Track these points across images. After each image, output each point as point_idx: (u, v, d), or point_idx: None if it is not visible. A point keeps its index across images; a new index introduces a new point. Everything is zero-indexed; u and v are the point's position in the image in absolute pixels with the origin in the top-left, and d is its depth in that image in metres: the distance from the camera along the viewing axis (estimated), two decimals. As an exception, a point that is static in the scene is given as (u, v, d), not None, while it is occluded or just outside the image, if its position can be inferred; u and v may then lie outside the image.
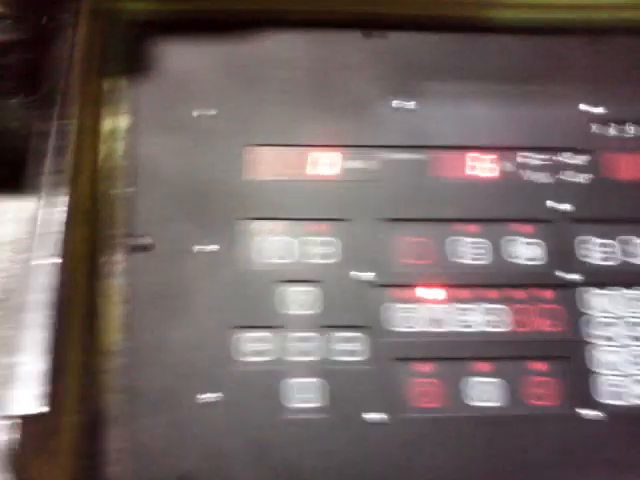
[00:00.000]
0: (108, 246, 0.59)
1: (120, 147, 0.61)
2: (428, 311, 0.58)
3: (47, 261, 0.48)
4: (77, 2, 0.54)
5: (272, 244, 0.59)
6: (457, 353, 0.58)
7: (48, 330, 0.46)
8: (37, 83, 0.51)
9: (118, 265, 0.59)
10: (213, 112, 0.61)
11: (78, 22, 0.53)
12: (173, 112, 0.61)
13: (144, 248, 0.58)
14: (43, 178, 0.50)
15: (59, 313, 0.47)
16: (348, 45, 0.64)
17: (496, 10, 0.65)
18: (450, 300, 0.59)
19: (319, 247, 0.59)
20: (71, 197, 0.50)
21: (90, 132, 0.58)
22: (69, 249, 0.50)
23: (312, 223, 0.60)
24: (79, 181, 0.53)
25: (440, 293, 0.59)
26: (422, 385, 0.57)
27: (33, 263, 0.47)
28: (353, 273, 0.59)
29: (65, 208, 0.49)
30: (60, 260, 0.48)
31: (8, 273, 0.66)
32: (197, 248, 0.58)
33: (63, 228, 0.49)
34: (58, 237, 0.49)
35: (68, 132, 0.51)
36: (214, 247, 0.58)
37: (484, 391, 0.57)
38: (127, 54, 0.63)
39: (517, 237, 0.61)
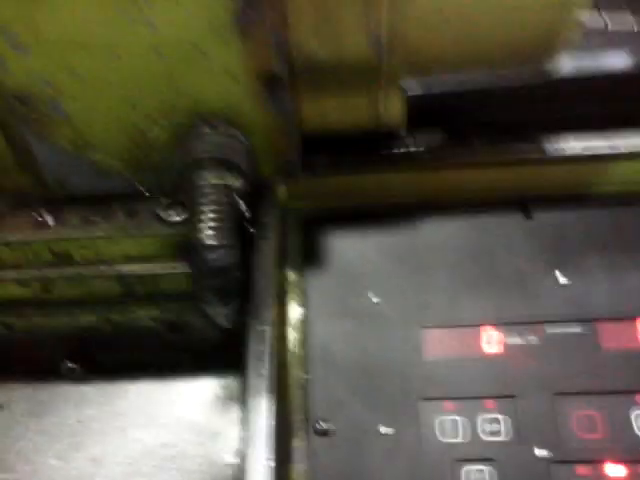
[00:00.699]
0: (291, 431, 0.62)
1: (298, 334, 0.66)
2: (607, 488, 0.58)
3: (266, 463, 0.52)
4: (272, 208, 0.62)
5: (446, 424, 0.62)
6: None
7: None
8: (243, 289, 0.58)
9: (300, 450, 0.62)
10: (384, 296, 0.66)
11: (272, 229, 0.60)
12: (346, 299, 0.67)
13: (325, 433, 0.62)
14: (250, 380, 0.55)
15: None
16: (509, 226, 0.68)
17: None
18: (634, 477, 0.59)
19: (490, 425, 0.61)
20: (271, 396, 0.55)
21: (278, 321, 0.64)
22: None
23: (486, 401, 0.62)
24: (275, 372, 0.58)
25: (622, 469, 0.59)
26: None
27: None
28: (525, 450, 0.60)
29: (268, 412, 0.54)
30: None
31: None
32: (375, 430, 0.62)
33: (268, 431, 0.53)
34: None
35: (266, 336, 0.56)
36: (394, 428, 0.62)
37: None
38: (302, 246, 0.70)
39: None
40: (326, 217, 0.70)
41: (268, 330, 0.56)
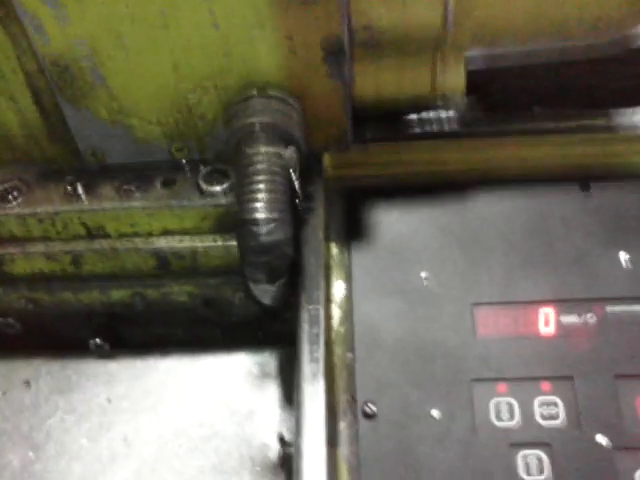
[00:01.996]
0: (337, 412, 0.60)
1: (342, 311, 0.63)
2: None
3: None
4: (320, 180, 0.58)
5: (501, 406, 0.59)
6: None
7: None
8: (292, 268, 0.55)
9: (346, 432, 0.60)
10: (435, 274, 0.63)
11: (320, 203, 0.57)
12: (393, 275, 0.63)
13: (370, 415, 0.59)
14: (302, 365, 0.52)
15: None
16: (567, 201, 0.65)
17: None
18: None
19: (547, 408, 0.59)
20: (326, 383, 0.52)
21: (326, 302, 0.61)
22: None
23: (543, 382, 0.59)
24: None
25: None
26: None
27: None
28: (584, 435, 0.57)
29: (323, 400, 0.51)
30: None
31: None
32: (425, 413, 0.59)
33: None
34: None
35: (320, 318, 0.53)
36: (445, 411, 0.59)
37: None
38: (346, 220, 0.66)
39: None
40: (373, 189, 0.66)
41: (321, 312, 0.53)
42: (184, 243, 0.62)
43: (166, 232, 0.61)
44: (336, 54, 0.49)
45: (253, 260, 0.51)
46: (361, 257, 0.65)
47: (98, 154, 0.59)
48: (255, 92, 0.51)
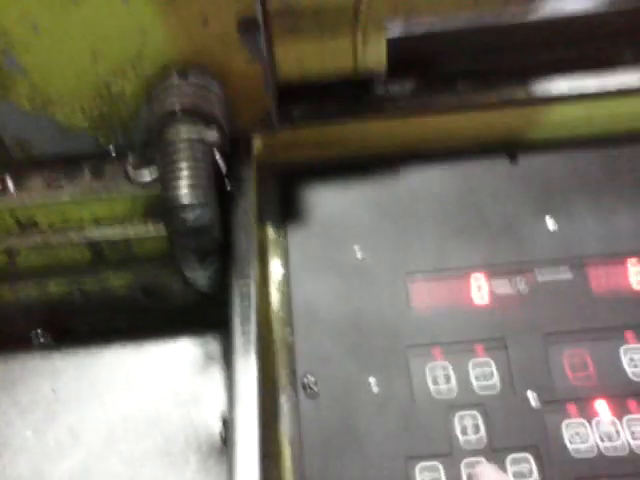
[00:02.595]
0: (277, 389, 0.61)
1: (280, 291, 0.65)
2: (597, 424, 0.59)
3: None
4: (249, 162, 0.59)
5: (437, 372, 0.61)
6: (637, 469, 0.57)
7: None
8: (221, 249, 0.55)
9: (287, 407, 0.61)
10: (369, 250, 0.65)
11: (250, 185, 0.58)
12: (329, 254, 0.65)
13: (310, 389, 0.61)
14: (235, 340, 0.53)
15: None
16: (495, 172, 0.67)
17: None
18: (622, 412, 0.59)
19: (481, 371, 0.61)
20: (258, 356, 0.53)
21: (260, 280, 0.62)
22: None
23: (474, 346, 0.61)
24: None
25: (611, 405, 0.59)
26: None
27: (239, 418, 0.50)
28: (517, 394, 0.60)
29: (255, 372, 0.52)
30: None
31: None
32: (364, 383, 0.61)
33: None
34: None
35: (251, 293, 0.54)
36: (384, 380, 0.61)
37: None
38: (280, 202, 0.67)
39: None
40: (305, 170, 0.67)
41: (252, 286, 0.54)
42: (116, 231, 0.61)
43: (98, 221, 0.61)
44: (251, 30, 0.49)
45: (182, 245, 0.52)
46: (297, 237, 0.66)
47: (25, 146, 0.58)
48: (175, 77, 0.51)
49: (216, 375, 0.73)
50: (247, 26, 0.48)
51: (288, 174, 0.67)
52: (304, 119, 0.60)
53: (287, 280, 0.64)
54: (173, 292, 0.69)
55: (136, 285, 0.68)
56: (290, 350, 0.62)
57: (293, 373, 0.61)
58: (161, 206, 0.51)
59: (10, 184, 0.60)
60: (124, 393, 0.74)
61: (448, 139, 0.66)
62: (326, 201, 0.66)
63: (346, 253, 0.65)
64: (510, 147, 0.67)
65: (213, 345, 0.75)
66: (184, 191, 0.49)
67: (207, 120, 0.51)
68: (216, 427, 0.71)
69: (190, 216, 0.49)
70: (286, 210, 0.66)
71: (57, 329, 0.75)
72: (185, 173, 0.50)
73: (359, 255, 0.64)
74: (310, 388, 0.61)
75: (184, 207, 0.49)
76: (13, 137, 0.58)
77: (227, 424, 0.62)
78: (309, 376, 0.61)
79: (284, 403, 0.61)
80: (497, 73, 0.63)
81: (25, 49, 0.51)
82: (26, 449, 0.70)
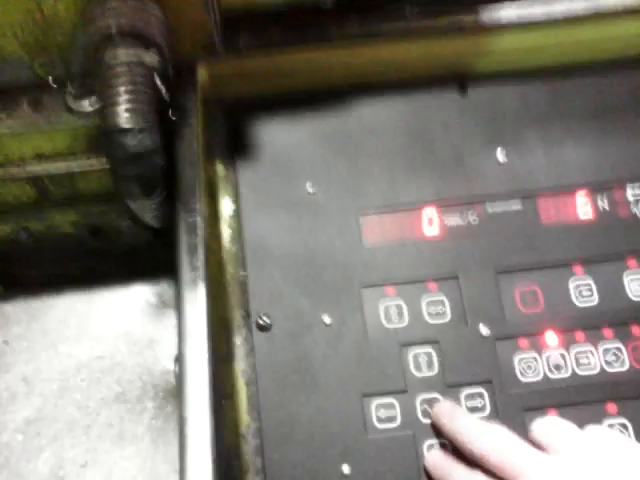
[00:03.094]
0: (231, 329, 0.60)
1: (231, 230, 0.63)
2: (548, 357, 0.59)
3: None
4: (193, 92, 0.57)
5: (390, 309, 0.60)
6: (583, 397, 0.58)
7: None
8: (166, 181, 0.54)
9: (241, 347, 0.60)
10: (320, 185, 0.63)
11: (194, 115, 0.56)
12: (280, 190, 0.63)
13: (264, 328, 0.60)
14: (182, 274, 0.52)
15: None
16: (445, 104, 0.66)
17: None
18: (570, 343, 0.59)
19: (434, 307, 0.60)
20: (207, 290, 0.52)
21: (211, 218, 0.61)
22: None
23: (429, 283, 0.61)
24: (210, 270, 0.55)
25: (557, 339, 0.60)
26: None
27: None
28: (469, 329, 0.60)
29: (204, 306, 0.51)
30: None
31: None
32: (318, 320, 0.60)
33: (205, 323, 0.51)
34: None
35: (198, 226, 0.53)
36: (337, 317, 0.60)
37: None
38: (229, 138, 0.65)
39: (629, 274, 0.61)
40: (254, 105, 0.65)
41: (199, 220, 0.53)
42: (59, 165, 0.59)
43: (40, 156, 0.59)
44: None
45: (124, 172, 0.50)
46: (247, 173, 0.64)
47: (-43, 78, 0.56)
48: (108, -6, 0.49)
49: (170, 320, 0.73)
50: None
51: (236, 109, 0.65)
52: (250, 47, 0.58)
53: (238, 217, 0.63)
54: (122, 231, 0.68)
55: (83, 225, 0.67)
56: (243, 290, 0.61)
57: (247, 313, 0.61)
58: (101, 132, 0.49)
59: (-58, 118, 0.58)
60: (78, 341, 0.73)
61: (397, 69, 0.65)
62: (276, 136, 0.65)
63: (297, 189, 0.63)
64: (460, 78, 0.66)
65: (166, 289, 0.74)
66: (123, 115, 0.48)
67: (146, 43, 0.49)
68: (172, 373, 0.70)
69: (130, 141, 0.48)
70: (235, 145, 0.65)
71: (9, 278, 0.74)
72: (124, 97, 0.48)
73: (311, 191, 0.63)
74: (264, 327, 0.60)
75: (123, 131, 0.47)
76: (-57, 68, 0.55)
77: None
78: (263, 317, 0.60)
79: (238, 343, 0.60)
80: (445, 1, 0.61)
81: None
82: (-20, 401, 0.69)
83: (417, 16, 0.58)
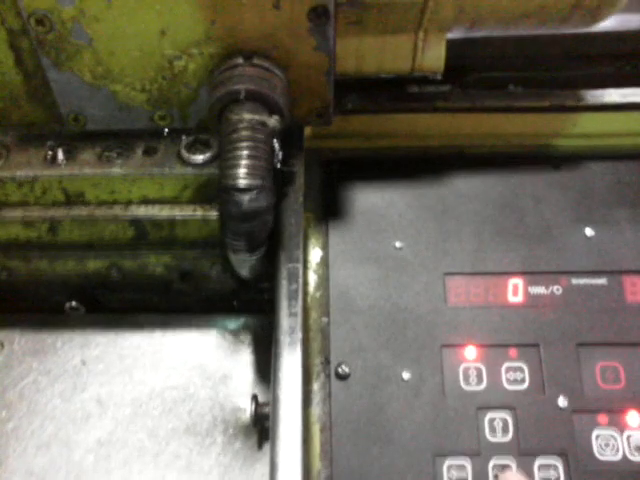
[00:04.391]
0: (310, 374, 0.62)
1: (317, 276, 0.65)
2: (629, 437, 0.59)
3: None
4: (301, 154, 0.59)
5: (469, 370, 0.61)
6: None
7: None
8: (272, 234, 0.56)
9: (318, 393, 0.61)
10: (408, 242, 0.65)
11: (300, 171, 0.58)
12: (368, 243, 0.65)
13: (343, 376, 0.61)
14: (281, 319, 0.54)
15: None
16: (537, 177, 0.67)
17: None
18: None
19: (513, 373, 0.61)
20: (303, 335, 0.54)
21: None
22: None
23: (510, 349, 0.62)
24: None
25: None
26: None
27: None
28: (547, 398, 0.60)
29: (300, 352, 0.53)
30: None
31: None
32: (396, 375, 0.61)
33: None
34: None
35: (299, 274, 0.55)
36: (414, 374, 0.61)
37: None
38: (323, 188, 0.68)
39: None
40: (350, 160, 0.68)
41: (300, 268, 0.55)
42: (163, 212, 0.62)
43: (146, 200, 0.62)
44: (322, 19, 0.49)
45: (234, 228, 0.52)
46: (337, 226, 0.66)
47: (80, 119, 0.59)
48: (241, 60, 0.51)
49: (246, 358, 0.74)
50: (318, 14, 0.48)
51: (334, 164, 0.68)
52: (356, 111, 0.60)
53: (325, 264, 0.65)
54: (210, 279, 0.69)
55: (175, 269, 0.68)
56: (325, 337, 0.63)
57: (327, 361, 0.62)
58: (217, 187, 0.51)
59: (62, 156, 0.61)
60: (152, 369, 0.75)
61: (495, 142, 0.67)
62: (369, 191, 0.67)
63: (386, 246, 0.65)
64: (554, 154, 0.67)
65: (244, 329, 0.75)
66: (243, 171, 0.49)
67: (269, 105, 0.51)
68: (244, 409, 0.72)
69: (247, 200, 0.49)
70: (329, 199, 0.67)
71: (91, 303, 0.76)
72: (245, 153, 0.50)
73: (399, 249, 0.65)
74: (343, 377, 0.61)
75: (242, 190, 0.49)
76: (70, 109, 0.58)
77: (259, 405, 0.63)
78: (343, 366, 0.61)
79: (316, 389, 0.62)
80: (549, 79, 0.63)
81: (95, 18, 0.51)
82: (54, 416, 0.71)
83: (521, 95, 0.60)
